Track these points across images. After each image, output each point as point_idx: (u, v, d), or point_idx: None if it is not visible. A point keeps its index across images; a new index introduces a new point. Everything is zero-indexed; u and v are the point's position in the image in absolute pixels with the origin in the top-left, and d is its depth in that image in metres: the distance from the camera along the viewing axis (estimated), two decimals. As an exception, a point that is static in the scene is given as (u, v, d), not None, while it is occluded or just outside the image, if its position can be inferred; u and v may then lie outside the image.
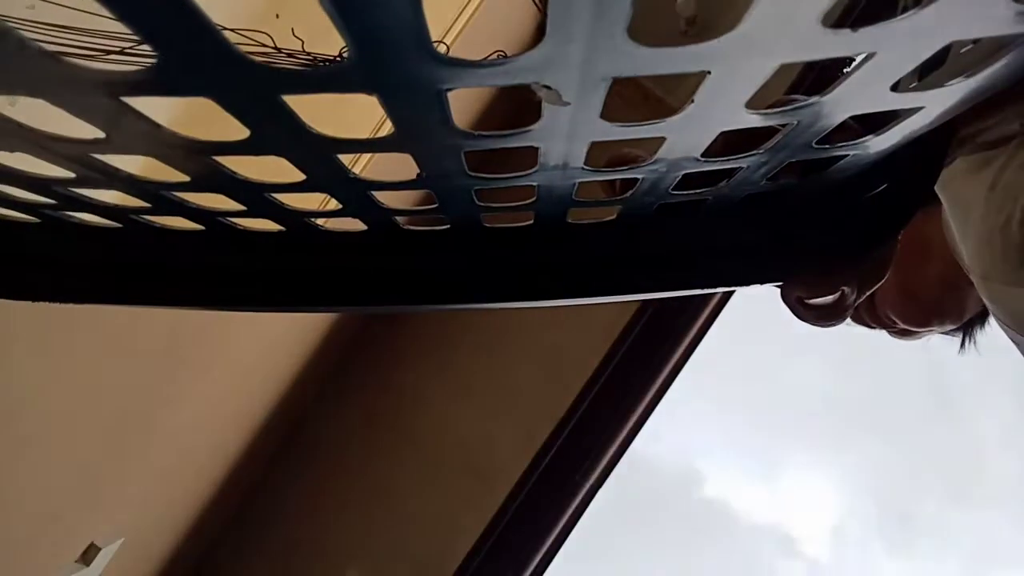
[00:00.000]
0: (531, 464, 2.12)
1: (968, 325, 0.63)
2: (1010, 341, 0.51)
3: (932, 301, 0.60)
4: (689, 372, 2.14)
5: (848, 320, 0.68)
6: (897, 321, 0.63)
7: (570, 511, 2.13)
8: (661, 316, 2.08)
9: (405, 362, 2.26)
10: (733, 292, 0.40)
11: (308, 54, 0.90)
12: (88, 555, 1.34)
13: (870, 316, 0.65)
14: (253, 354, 1.71)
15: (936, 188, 0.50)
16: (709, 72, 0.19)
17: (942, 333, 0.65)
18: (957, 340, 0.64)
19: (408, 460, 2.21)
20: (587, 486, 2.12)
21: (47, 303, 0.40)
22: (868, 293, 0.39)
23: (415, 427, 2.23)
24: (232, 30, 0.79)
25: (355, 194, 0.32)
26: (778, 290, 0.39)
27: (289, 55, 0.87)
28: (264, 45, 0.83)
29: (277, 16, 0.97)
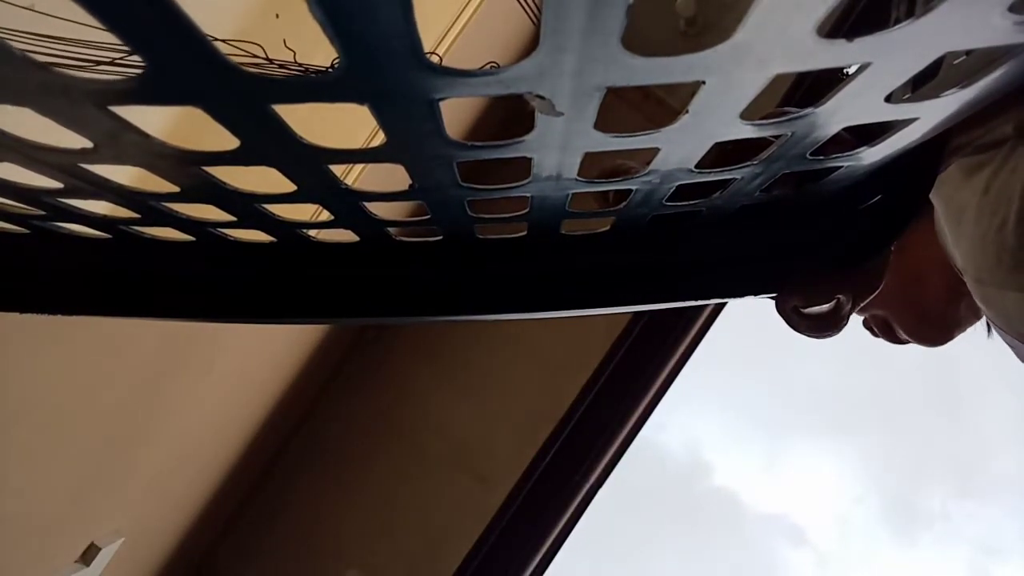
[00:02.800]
0: (531, 464, 2.11)
1: None
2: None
3: (946, 315, 0.60)
4: (696, 365, 2.14)
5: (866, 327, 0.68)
6: (922, 345, 0.63)
7: (570, 511, 2.12)
8: (661, 315, 2.07)
9: (405, 363, 2.25)
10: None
11: (300, 65, 0.89)
12: (88, 555, 1.32)
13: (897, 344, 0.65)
14: (253, 355, 1.70)
15: None
16: (704, 82, 0.19)
17: None
18: (981, 332, 0.63)
19: (408, 460, 2.20)
20: (587, 486, 2.11)
21: (35, 314, 0.39)
22: (863, 303, 0.39)
23: (415, 427, 2.22)
24: (223, 41, 0.79)
25: (347, 205, 0.31)
26: (773, 300, 0.39)
27: (280, 66, 0.87)
28: (255, 56, 0.83)
29: (277, 16, 0.96)
